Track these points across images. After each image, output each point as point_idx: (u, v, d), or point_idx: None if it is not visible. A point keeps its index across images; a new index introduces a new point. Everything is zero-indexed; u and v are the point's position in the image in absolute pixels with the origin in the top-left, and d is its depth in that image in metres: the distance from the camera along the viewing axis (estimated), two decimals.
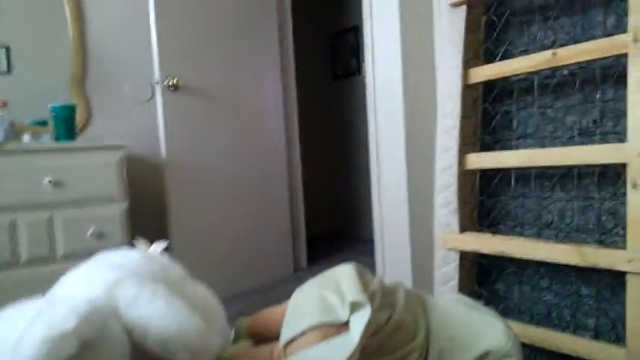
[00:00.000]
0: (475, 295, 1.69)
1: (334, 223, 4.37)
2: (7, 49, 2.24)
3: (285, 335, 1.06)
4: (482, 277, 1.74)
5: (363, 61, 3.25)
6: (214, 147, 2.51)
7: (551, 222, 1.56)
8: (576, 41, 1.45)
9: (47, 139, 2.01)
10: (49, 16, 2.35)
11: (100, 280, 0.96)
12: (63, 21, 2.35)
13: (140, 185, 2.44)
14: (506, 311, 1.65)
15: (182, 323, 0.95)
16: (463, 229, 1.65)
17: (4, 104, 1.94)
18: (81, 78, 2.38)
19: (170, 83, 2.28)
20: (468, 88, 1.65)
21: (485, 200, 1.72)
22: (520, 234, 1.62)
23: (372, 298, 1.04)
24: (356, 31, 3.96)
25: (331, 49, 4.28)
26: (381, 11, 2.10)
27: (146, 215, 2.43)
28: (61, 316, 0.77)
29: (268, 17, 2.84)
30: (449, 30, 1.67)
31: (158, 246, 1.22)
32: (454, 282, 1.68)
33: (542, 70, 1.49)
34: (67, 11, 2.35)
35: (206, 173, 2.47)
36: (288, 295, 1.22)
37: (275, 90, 2.88)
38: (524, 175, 1.63)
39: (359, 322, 0.98)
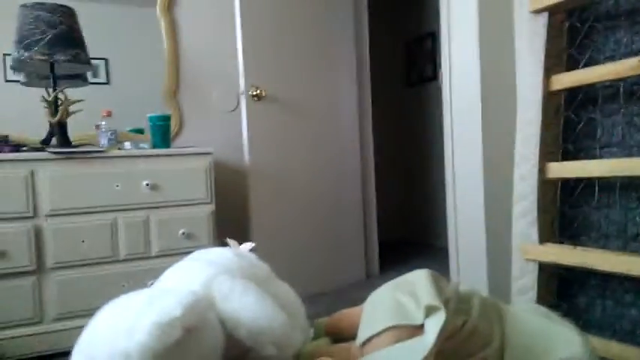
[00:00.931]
0: (554, 307, 1.65)
1: (407, 230, 4.37)
2: (106, 62, 2.47)
3: (361, 335, 1.12)
4: (562, 290, 1.70)
5: (439, 67, 3.24)
6: (293, 154, 2.63)
7: (637, 234, 1.50)
8: None
9: (145, 146, 2.20)
10: (145, 31, 2.55)
11: (199, 275, 1.07)
12: (158, 36, 2.56)
13: (225, 189, 2.61)
14: (587, 325, 1.60)
15: (270, 318, 1.04)
16: (543, 239, 1.63)
17: (109, 114, 2.16)
18: (174, 89, 2.59)
19: (254, 93, 2.42)
20: (550, 96, 1.63)
21: (567, 210, 1.68)
22: (604, 246, 1.57)
23: (446, 303, 1.07)
24: (433, 37, 3.95)
25: (407, 56, 4.29)
26: (459, 17, 2.10)
27: (230, 217, 2.59)
28: (169, 304, 0.88)
29: (346, 27, 2.92)
30: (530, 36, 1.66)
31: (247, 246, 1.32)
32: (532, 293, 1.65)
33: (628, 77, 1.44)
34: (162, 27, 2.55)
35: (285, 179, 2.59)
36: (360, 300, 1.27)
37: (351, 98, 2.95)
38: (608, 185, 1.58)
39: (434, 326, 1.01)
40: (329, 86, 2.82)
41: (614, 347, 1.43)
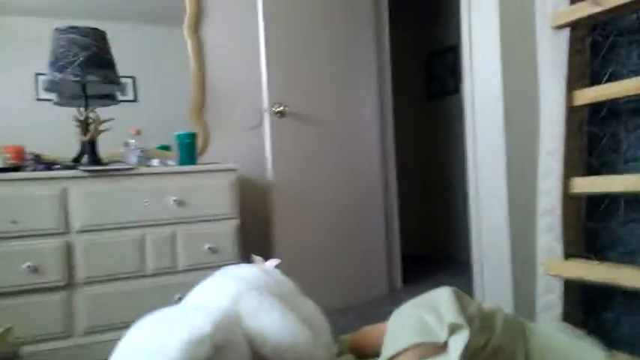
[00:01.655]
0: (581, 324, 1.63)
1: (429, 245, 4.34)
2: (134, 80, 2.54)
3: (385, 353, 1.13)
4: (588, 306, 1.68)
5: (461, 81, 3.25)
6: (316, 169, 2.66)
7: None
8: None
9: (172, 163, 2.26)
10: (172, 49, 2.62)
11: (227, 292, 1.10)
12: (184, 54, 2.63)
13: (249, 205, 2.65)
14: (615, 342, 1.58)
15: (295, 335, 1.06)
16: (568, 255, 1.61)
17: (139, 132, 2.22)
18: (200, 107, 2.65)
19: (277, 110, 2.46)
20: (573, 110, 1.63)
21: (592, 226, 1.66)
22: (630, 262, 1.55)
23: (470, 321, 1.08)
24: (454, 50, 3.95)
25: (426, 69, 4.30)
26: (480, 31, 2.11)
27: (254, 233, 2.62)
28: (199, 322, 0.91)
29: (367, 42, 2.96)
30: (552, 51, 1.66)
31: (272, 262, 1.35)
32: (558, 310, 1.63)
33: None
34: (189, 46, 2.62)
35: (308, 194, 2.62)
36: (383, 314, 1.28)
37: (372, 113, 2.98)
38: (634, 200, 1.56)
39: (457, 344, 1.02)
40: (351, 101, 2.85)
41: None
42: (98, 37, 2.14)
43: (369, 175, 2.93)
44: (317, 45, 2.69)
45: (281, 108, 2.47)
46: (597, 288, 1.62)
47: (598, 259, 1.58)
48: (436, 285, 1.28)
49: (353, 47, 2.87)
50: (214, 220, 2.17)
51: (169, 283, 2.08)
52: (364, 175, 2.91)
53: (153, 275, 2.07)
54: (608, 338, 1.58)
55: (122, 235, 2.02)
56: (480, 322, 1.11)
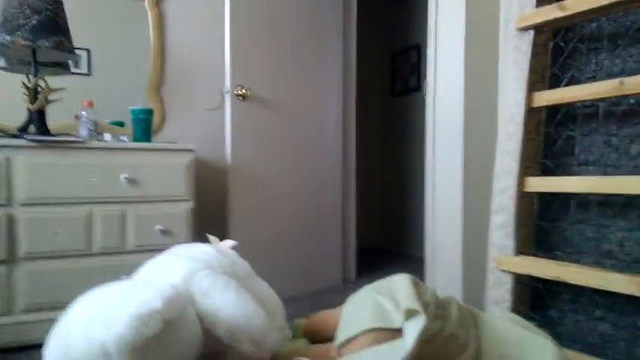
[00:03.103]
0: (527, 319, 1.68)
1: (384, 239, 4.40)
2: (88, 52, 2.41)
3: (340, 336, 1.12)
4: (535, 302, 1.73)
5: (423, 78, 3.29)
6: (275, 156, 2.62)
7: (611, 251, 1.55)
8: None
9: (125, 139, 2.17)
10: (130, 23, 2.51)
11: (179, 270, 1.06)
12: (144, 28, 2.53)
13: (204, 187, 2.58)
14: (558, 338, 1.64)
15: (249, 315, 1.03)
16: (519, 252, 1.66)
17: (91, 105, 2.12)
18: (158, 83, 2.56)
19: (239, 93, 2.41)
20: (531, 112, 1.67)
21: (543, 225, 1.72)
22: (577, 261, 1.61)
23: (426, 307, 1.08)
24: (417, 49, 4.00)
25: (392, 66, 4.34)
26: (446, 30, 2.14)
27: (208, 216, 2.56)
28: (149, 297, 0.87)
29: (335, 33, 2.94)
30: (515, 53, 1.70)
31: (228, 243, 1.31)
32: (506, 304, 1.68)
33: (608, 97, 1.49)
34: (150, 19, 2.52)
35: (266, 180, 2.58)
36: (336, 304, 1.28)
37: (336, 104, 2.97)
38: (584, 201, 1.62)
39: (413, 329, 1.03)
40: (315, 91, 2.83)
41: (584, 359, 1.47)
42: (53, 1, 2.01)
43: (328, 166, 2.92)
44: (283, 31, 2.65)
45: (243, 91, 2.41)
46: (545, 285, 1.68)
47: (547, 257, 1.64)
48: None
49: (320, 37, 2.85)
50: (167, 200, 2.10)
51: (117, 263, 2.01)
52: (324, 165, 2.89)
53: (100, 254, 1.99)
54: (551, 334, 1.64)
55: (68, 211, 1.92)
56: (436, 310, 1.12)
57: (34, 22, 1.93)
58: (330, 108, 2.93)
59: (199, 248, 1.20)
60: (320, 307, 1.40)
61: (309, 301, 2.59)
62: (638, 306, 1.46)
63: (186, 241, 2.11)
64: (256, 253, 2.50)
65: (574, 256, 1.63)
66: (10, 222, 1.82)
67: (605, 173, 1.57)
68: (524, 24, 1.66)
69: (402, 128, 4.20)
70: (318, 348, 1.20)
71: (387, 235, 4.38)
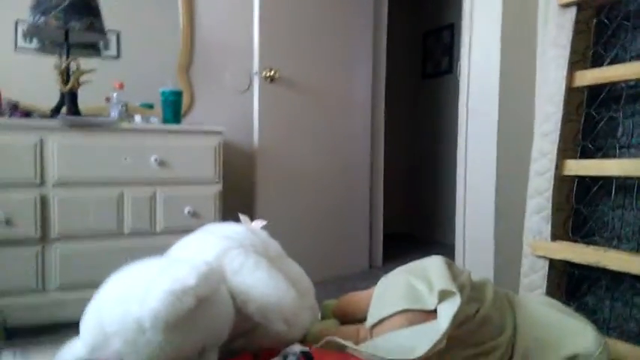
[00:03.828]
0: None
1: (413, 225, 4.35)
2: (118, 34, 2.42)
3: (372, 317, 1.10)
4: (571, 289, 1.68)
5: (457, 60, 3.21)
6: (304, 139, 2.60)
7: None
8: None
9: (155, 121, 2.17)
10: (159, 4, 2.50)
11: (212, 248, 1.05)
12: (172, 9, 2.52)
13: (232, 170, 2.58)
14: (595, 325, 1.58)
15: (281, 295, 1.02)
16: (555, 236, 1.61)
17: (121, 86, 2.13)
18: (187, 65, 2.55)
19: (267, 75, 2.39)
20: (572, 91, 1.61)
21: (581, 209, 1.66)
22: (616, 247, 1.55)
23: (460, 290, 1.05)
24: (451, 28, 3.90)
25: (423, 47, 4.25)
26: (482, 8, 2.07)
27: (236, 199, 2.57)
28: (183, 273, 0.86)
29: (364, 14, 2.89)
30: (556, 31, 1.63)
31: (259, 223, 1.30)
32: (540, 290, 1.64)
33: None
34: (180, 1, 2.51)
35: (294, 163, 2.57)
36: (361, 289, 1.26)
37: (365, 86, 2.93)
38: (625, 185, 1.56)
39: (447, 311, 1.00)
40: (344, 73, 2.79)
41: (620, 347, 1.42)
42: None
43: (356, 149, 2.89)
44: (313, 13, 2.61)
45: (272, 73, 2.40)
46: (582, 271, 1.62)
47: (584, 243, 1.58)
48: None
49: (350, 19, 2.80)
50: (196, 183, 2.11)
51: (146, 245, 2.01)
52: (352, 148, 2.86)
53: (130, 235, 2.00)
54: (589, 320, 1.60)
55: (99, 192, 1.94)
56: (470, 292, 1.09)
57: (66, 3, 1.94)
58: (358, 90, 2.89)
59: (231, 227, 1.20)
60: (346, 292, 1.39)
61: (335, 286, 2.58)
62: None
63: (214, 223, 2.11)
64: (283, 236, 2.46)
65: (613, 241, 1.57)
66: (44, 202, 1.85)
67: None
68: (566, 0, 1.59)
69: (432, 111, 4.12)
70: (349, 329, 1.19)
71: (414, 221, 4.33)
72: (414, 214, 4.33)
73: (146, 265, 0.94)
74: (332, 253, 2.77)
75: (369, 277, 2.80)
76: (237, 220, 1.43)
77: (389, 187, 3.42)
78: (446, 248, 3.14)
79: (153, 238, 2.04)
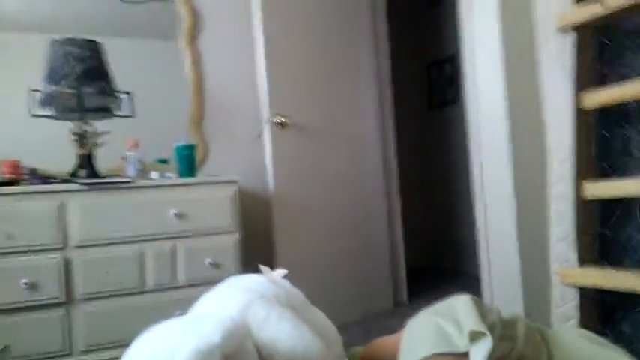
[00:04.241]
0: (598, 335, 1.58)
1: (434, 257, 4.28)
2: (130, 95, 2.48)
3: None
4: (605, 317, 1.62)
5: (460, 90, 3.23)
6: (318, 181, 2.61)
7: None
8: None
9: (171, 176, 2.21)
10: (168, 63, 2.59)
11: (235, 302, 1.05)
12: (180, 68, 2.59)
13: (249, 217, 2.59)
14: (633, 354, 1.52)
15: (306, 345, 1.00)
16: (583, 262, 1.57)
17: (136, 144, 2.18)
18: (199, 119, 2.61)
19: (278, 121, 2.43)
20: (582, 113, 1.60)
21: (606, 232, 1.62)
22: None
23: (491, 329, 1.02)
24: (452, 60, 3.95)
25: (428, 79, 4.30)
26: (481, 39, 2.10)
27: (255, 246, 2.56)
28: (208, 331, 0.85)
29: (366, 52, 2.95)
30: (558, 54, 1.64)
31: (280, 272, 1.30)
32: (573, 321, 1.58)
33: None
34: (187, 58, 2.59)
35: (309, 206, 2.57)
36: (388, 329, 1.23)
37: (374, 123, 2.95)
38: None
39: (480, 352, 0.97)
40: (352, 112, 2.83)
41: None
42: (94, 49, 2.11)
43: (371, 186, 2.89)
44: (316, 55, 2.68)
45: (282, 119, 2.43)
46: (614, 298, 1.57)
47: (613, 267, 1.54)
48: (443, 298, 1.22)
49: (352, 57, 2.86)
50: (215, 233, 2.12)
51: (170, 299, 2.02)
52: (366, 186, 2.86)
53: (153, 291, 2.01)
54: (626, 349, 1.53)
55: (121, 250, 1.96)
56: (502, 330, 1.06)
57: (78, 70, 2.02)
58: (367, 127, 2.91)
59: (252, 279, 1.19)
60: (372, 332, 1.36)
61: (361, 327, 2.53)
62: None
63: (235, 273, 2.09)
64: (304, 280, 2.44)
65: None
66: (67, 264, 1.87)
67: None
68: (564, 22, 1.60)
69: (442, 140, 4.13)
70: None
71: (437, 253, 4.26)
72: (435, 247, 4.28)
73: (171, 324, 0.93)
74: (356, 293, 2.73)
75: (395, 315, 2.74)
76: (257, 270, 1.43)
77: (407, 221, 3.39)
78: (471, 278, 3.08)
79: (176, 291, 2.04)
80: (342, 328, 2.47)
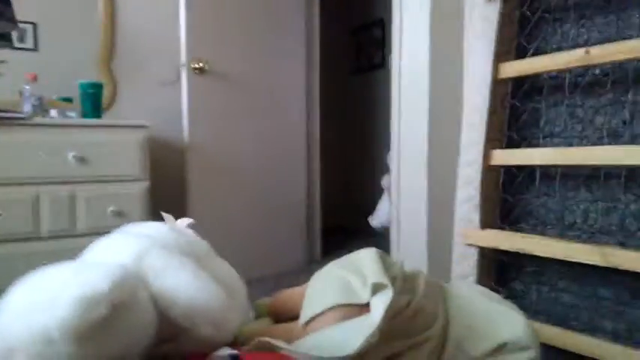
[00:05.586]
0: (493, 292, 1.68)
1: (349, 217, 4.37)
2: (35, 26, 2.25)
3: (305, 314, 1.07)
4: (500, 275, 1.73)
5: (388, 54, 3.23)
6: (236, 133, 2.52)
7: (574, 223, 1.55)
8: (610, 41, 1.43)
9: (73, 115, 2.03)
10: None
11: (130, 249, 0.97)
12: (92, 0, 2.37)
13: (161, 167, 2.46)
14: (522, 310, 1.64)
15: (208, 297, 0.96)
16: (484, 225, 1.65)
17: (34, 78, 1.97)
18: (109, 57, 2.40)
19: (196, 66, 2.29)
20: (497, 83, 1.64)
21: (508, 198, 1.71)
22: (542, 233, 1.60)
23: (393, 282, 1.04)
24: (381, 24, 3.94)
25: (355, 43, 4.27)
26: (411, 3, 2.08)
27: (166, 197, 2.45)
28: (95, 278, 0.78)
29: (296, 7, 2.84)
30: (481, 24, 1.66)
31: (184, 221, 1.23)
32: (472, 278, 1.67)
33: (574, 68, 1.47)
34: None
35: (226, 159, 2.49)
36: (301, 284, 1.22)
37: (298, 80, 2.88)
38: (548, 174, 1.61)
39: (380, 304, 0.98)
40: (277, 67, 2.73)
41: (548, 330, 1.47)
42: None
43: (292, 144, 2.85)
44: (243, 4, 2.53)
45: (201, 64, 2.30)
46: (509, 259, 1.67)
47: (512, 230, 1.63)
48: None
49: (282, 11, 2.75)
50: (120, 180, 1.99)
51: (67, 247, 1.87)
52: (287, 143, 2.82)
53: (49, 238, 1.87)
54: (516, 306, 1.65)
55: (13, 192, 1.80)
56: (403, 283, 1.08)
57: None
58: (292, 83, 2.84)
59: (153, 226, 1.12)
60: (282, 287, 1.35)
61: (273, 282, 2.53)
62: (600, 276, 1.47)
63: None
64: (217, 234, 2.39)
65: (539, 228, 1.63)
66: None
67: (569, 145, 1.56)
68: None
69: (366, 105, 4.15)
70: (281, 327, 1.15)
71: (352, 213, 4.35)
72: (352, 206, 4.35)
73: (54, 270, 0.85)
74: (270, 249, 2.72)
75: (308, 272, 2.75)
76: (163, 215, 1.35)
77: (324, 180, 3.40)
78: (384, 238, 3.17)
79: (74, 240, 1.90)
80: (253, 282, 2.45)
